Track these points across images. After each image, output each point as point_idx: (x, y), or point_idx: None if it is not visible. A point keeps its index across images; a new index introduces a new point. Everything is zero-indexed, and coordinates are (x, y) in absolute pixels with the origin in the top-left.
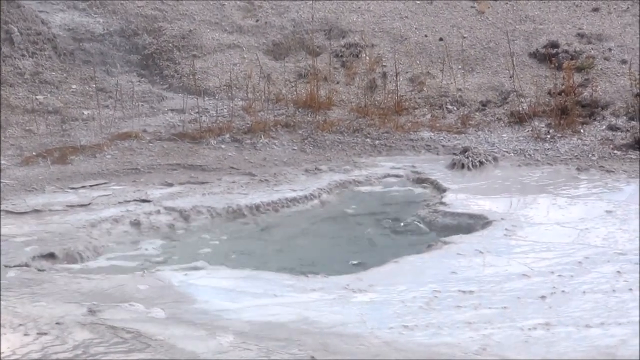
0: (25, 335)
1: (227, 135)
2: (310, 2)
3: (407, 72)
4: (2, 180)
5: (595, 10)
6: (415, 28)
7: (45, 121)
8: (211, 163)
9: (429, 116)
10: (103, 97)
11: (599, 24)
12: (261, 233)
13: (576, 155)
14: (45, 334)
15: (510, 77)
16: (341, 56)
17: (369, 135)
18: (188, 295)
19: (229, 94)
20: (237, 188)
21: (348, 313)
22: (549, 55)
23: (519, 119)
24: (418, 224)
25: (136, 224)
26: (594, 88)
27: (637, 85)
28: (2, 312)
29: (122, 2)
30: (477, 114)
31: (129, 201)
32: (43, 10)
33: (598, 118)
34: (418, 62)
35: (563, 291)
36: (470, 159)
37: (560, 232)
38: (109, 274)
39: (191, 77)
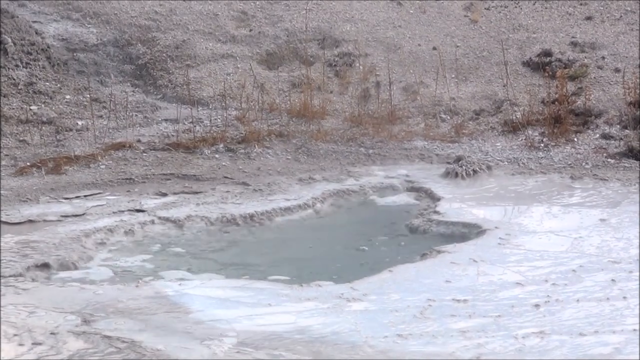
0: (20, 345)
1: (221, 145)
2: (304, 11)
3: (400, 82)
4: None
5: (589, 18)
6: (409, 37)
7: (39, 131)
8: (205, 173)
9: (422, 125)
10: (97, 107)
11: (592, 33)
12: (255, 242)
13: (570, 164)
14: (40, 344)
15: (504, 86)
16: (335, 65)
17: (362, 145)
18: (182, 305)
19: (223, 104)
20: (231, 198)
21: (342, 322)
22: (542, 64)
23: (512, 128)
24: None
25: (130, 233)
26: (587, 97)
27: (631, 94)
28: None
29: (115, 12)
30: (471, 123)
31: (123, 211)
32: (37, 20)
33: (592, 127)
34: (411, 71)
35: (557, 300)
36: (464, 167)
37: (554, 240)
38: (104, 284)
39: (185, 87)
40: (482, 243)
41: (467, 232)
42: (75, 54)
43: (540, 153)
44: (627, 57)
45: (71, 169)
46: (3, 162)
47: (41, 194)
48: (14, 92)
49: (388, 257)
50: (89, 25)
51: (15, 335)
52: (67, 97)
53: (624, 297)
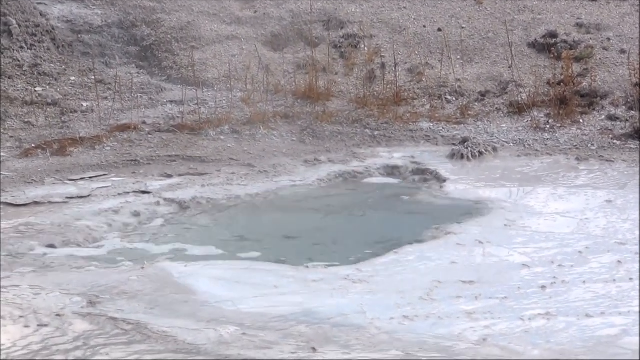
0: (26, 327)
1: (226, 127)
2: None
3: (405, 63)
4: (1, 173)
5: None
6: (414, 18)
7: (44, 113)
8: (210, 154)
9: (428, 107)
10: (102, 88)
11: (597, 14)
12: (261, 224)
13: (575, 145)
14: (46, 325)
15: (509, 67)
16: (340, 47)
17: (368, 126)
18: (188, 287)
19: (228, 85)
20: (237, 179)
21: (348, 304)
22: (547, 46)
23: (518, 109)
24: None
25: (136, 215)
26: (593, 78)
27: (636, 75)
28: (2, 304)
29: None
30: (476, 104)
31: (129, 193)
32: (41, 2)
33: (597, 108)
34: (417, 52)
35: (563, 281)
36: (469, 149)
37: (560, 222)
38: (109, 266)
39: (190, 68)
40: (487, 224)
41: (473, 213)
42: (80, 36)
43: (546, 134)
44: (632, 38)
45: (76, 151)
46: (8, 144)
47: (46, 176)
48: (18, 73)
49: (393, 238)
50: (94, 7)
51: (20, 316)
52: (72, 78)
53: (630, 279)
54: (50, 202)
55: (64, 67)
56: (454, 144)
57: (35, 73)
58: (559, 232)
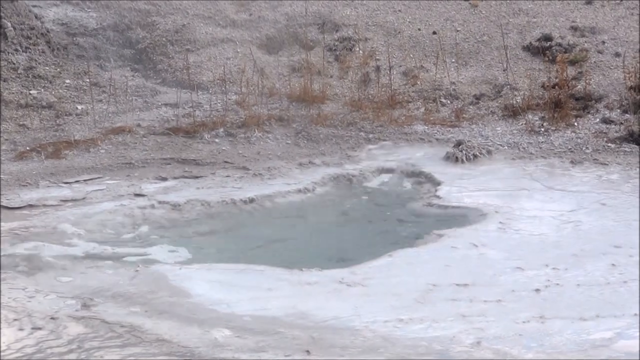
0: (20, 330)
1: (221, 130)
2: None
3: (400, 66)
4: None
5: (589, 3)
6: (409, 22)
7: (39, 116)
8: (205, 157)
9: (422, 110)
10: (97, 91)
11: (592, 17)
12: (255, 226)
13: (570, 149)
14: (40, 328)
15: (504, 70)
16: (335, 50)
17: (362, 129)
18: (183, 289)
19: (223, 88)
20: (231, 182)
21: (343, 307)
22: (542, 49)
23: (512, 113)
24: None
25: (130, 218)
26: (587, 81)
27: (631, 78)
28: None
29: None
30: (471, 107)
31: (123, 195)
32: (36, 4)
33: (592, 111)
34: (411, 55)
35: (557, 284)
36: (464, 152)
37: (554, 224)
38: (104, 269)
39: (185, 71)
40: (482, 227)
41: (467, 216)
42: (75, 39)
43: (541, 137)
44: (627, 41)
45: (71, 154)
46: (3, 147)
47: (41, 179)
48: (13, 76)
49: (388, 241)
50: (89, 10)
51: (15, 320)
52: (67, 81)
53: (625, 282)
54: (44, 205)
55: (58, 70)
56: (448, 147)
57: (30, 76)
58: (553, 234)
